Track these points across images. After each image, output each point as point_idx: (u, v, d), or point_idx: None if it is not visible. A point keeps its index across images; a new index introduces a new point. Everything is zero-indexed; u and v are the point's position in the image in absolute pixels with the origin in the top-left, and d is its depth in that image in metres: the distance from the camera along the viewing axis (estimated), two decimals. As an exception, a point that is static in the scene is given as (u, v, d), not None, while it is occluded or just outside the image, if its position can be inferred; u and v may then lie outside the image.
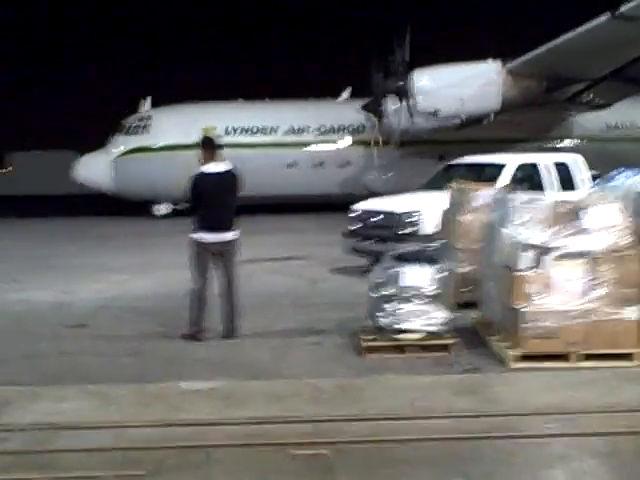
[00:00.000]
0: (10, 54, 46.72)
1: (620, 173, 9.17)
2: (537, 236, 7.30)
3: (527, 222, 7.49)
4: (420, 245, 8.59)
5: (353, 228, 13.14)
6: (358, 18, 45.12)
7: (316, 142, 27.82)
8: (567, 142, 27.29)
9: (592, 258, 7.20)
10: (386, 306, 7.76)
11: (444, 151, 25.98)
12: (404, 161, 26.80)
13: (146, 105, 28.42)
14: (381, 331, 7.74)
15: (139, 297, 11.45)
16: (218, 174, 8.82)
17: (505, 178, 12.53)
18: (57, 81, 49.87)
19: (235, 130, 27.48)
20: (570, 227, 7.34)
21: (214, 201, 8.72)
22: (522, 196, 7.91)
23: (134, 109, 28.57)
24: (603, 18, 19.20)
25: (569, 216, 7.53)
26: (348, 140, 27.79)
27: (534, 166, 13.14)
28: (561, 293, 7.25)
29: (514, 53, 23.04)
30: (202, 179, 8.81)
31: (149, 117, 27.57)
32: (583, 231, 7.28)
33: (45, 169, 45.53)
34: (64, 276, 13.76)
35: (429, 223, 11.49)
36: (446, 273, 7.98)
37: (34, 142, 46.50)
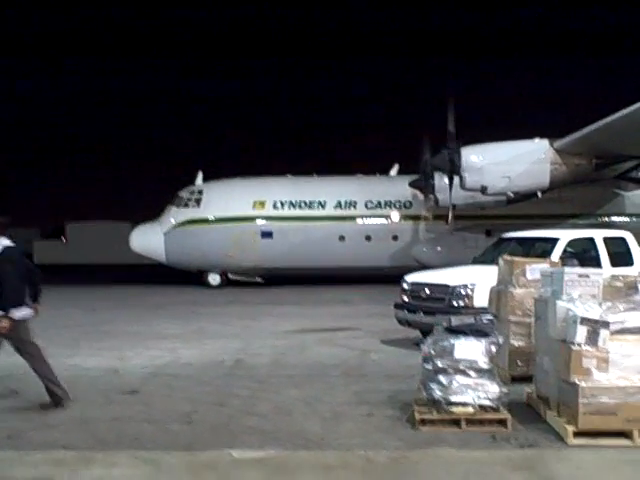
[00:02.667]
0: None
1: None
2: (593, 310, 7.09)
3: (582, 296, 7.30)
4: (473, 318, 8.43)
5: (404, 300, 13.00)
6: (406, 97, 45.82)
7: (365, 216, 27.96)
8: (617, 219, 26.94)
9: (652, 333, 6.96)
10: (440, 378, 7.59)
11: (492, 226, 25.99)
12: (452, 235, 26.78)
13: (198, 179, 29.01)
14: (435, 403, 7.55)
15: (190, 365, 11.43)
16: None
17: (557, 252, 12.30)
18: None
19: (284, 204, 27.80)
20: (627, 302, 7.12)
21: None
22: (577, 269, 7.73)
23: (187, 182, 29.16)
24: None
25: (625, 291, 7.34)
26: (396, 215, 27.87)
27: (586, 241, 12.88)
28: (619, 369, 7.00)
29: (561, 131, 23.03)
30: None
31: (200, 191, 28.09)
32: (641, 306, 7.06)
33: (103, 239, 46.53)
34: (118, 343, 13.82)
35: (481, 296, 11.32)
36: (498, 346, 7.82)
37: (90, 213, 47.64)
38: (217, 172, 29.95)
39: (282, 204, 27.81)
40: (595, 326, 6.99)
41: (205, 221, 27.57)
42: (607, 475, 6.03)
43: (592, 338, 6.99)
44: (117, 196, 48.62)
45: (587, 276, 7.46)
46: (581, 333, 7.01)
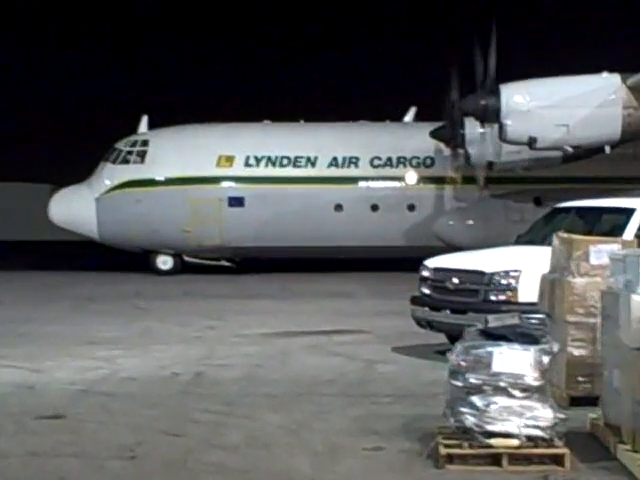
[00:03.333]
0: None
1: None
2: (684, 307, 7.11)
3: (668, 287, 7.32)
4: (517, 317, 8.44)
5: (424, 292, 13.01)
6: (426, 18, 45.66)
7: (370, 178, 27.96)
8: None
9: None
10: (473, 400, 7.61)
11: (542, 192, 26.09)
12: (489, 204, 26.86)
13: (142, 126, 28.82)
14: (466, 433, 7.56)
15: (132, 379, 11.44)
16: None
17: (633, 228, 12.32)
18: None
19: (259, 161, 27.80)
20: None
21: None
22: (662, 252, 7.75)
23: (128, 131, 29.07)
24: None
25: None
26: (413, 176, 27.87)
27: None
28: None
29: (637, 63, 22.99)
30: None
31: (145, 142, 28.00)
32: None
33: (17, 206, 46.23)
34: (36, 349, 13.80)
35: (528, 288, 11.34)
36: (552, 356, 7.86)
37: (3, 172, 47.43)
38: (168, 116, 29.91)
39: (257, 160, 27.83)
40: (684, 330, 7.02)
41: (152, 183, 27.59)
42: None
43: (680, 346, 7.02)
44: (32, 150, 48.31)
45: (677, 260, 7.47)
46: (665, 339, 7.04)
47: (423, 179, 27.95)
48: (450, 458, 7.54)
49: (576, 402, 9.46)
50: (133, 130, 28.86)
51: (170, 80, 50.07)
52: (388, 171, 28.02)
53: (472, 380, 7.66)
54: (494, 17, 23.52)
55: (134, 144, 28.12)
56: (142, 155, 27.80)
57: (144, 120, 29.00)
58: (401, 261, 25.57)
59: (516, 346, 7.75)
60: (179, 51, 50.13)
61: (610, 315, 8.27)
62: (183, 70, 50.81)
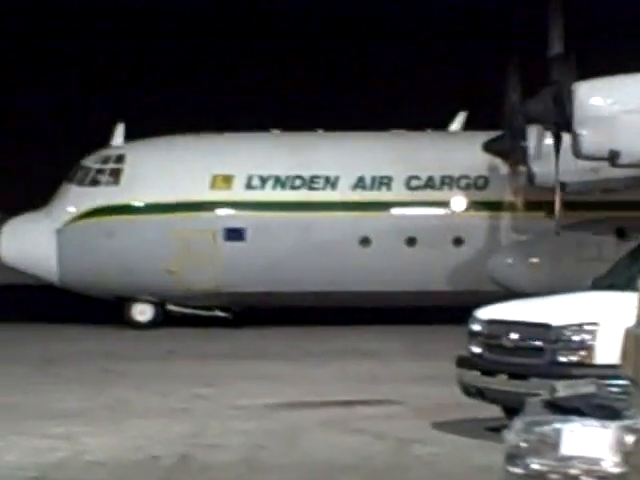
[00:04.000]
0: None
1: None
2: None
3: None
4: (594, 384, 8.46)
5: (475, 351, 13.02)
6: (479, 9, 45.83)
7: (405, 204, 28.02)
8: None
9: None
10: (539, 489, 7.64)
11: (626, 222, 26.05)
12: (561, 237, 26.79)
13: (116, 137, 28.86)
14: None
15: (101, 465, 11.44)
16: None
17: None
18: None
19: (265, 182, 27.90)
20: None
21: None
22: None
23: (98, 143, 29.26)
24: None
25: None
26: (461, 201, 27.93)
27: None
28: None
29: None
30: None
31: (120, 157, 28.15)
32: None
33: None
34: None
35: (608, 346, 11.34)
36: (638, 435, 7.86)
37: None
38: (150, 125, 30.04)
39: (262, 181, 27.93)
40: None
41: (128, 210, 27.74)
42: None
43: None
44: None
45: None
46: None
47: (474, 205, 27.99)
48: None
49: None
50: (105, 142, 29.02)
51: (151, 78, 50.34)
52: (429, 194, 28.10)
53: (535, 466, 7.66)
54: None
55: (106, 160, 28.29)
56: (116, 174, 27.97)
57: (119, 129, 29.10)
58: (445, 311, 25.59)
59: (592, 422, 7.75)
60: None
61: None
62: (168, 65, 51.08)
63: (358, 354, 21.88)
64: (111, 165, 28.12)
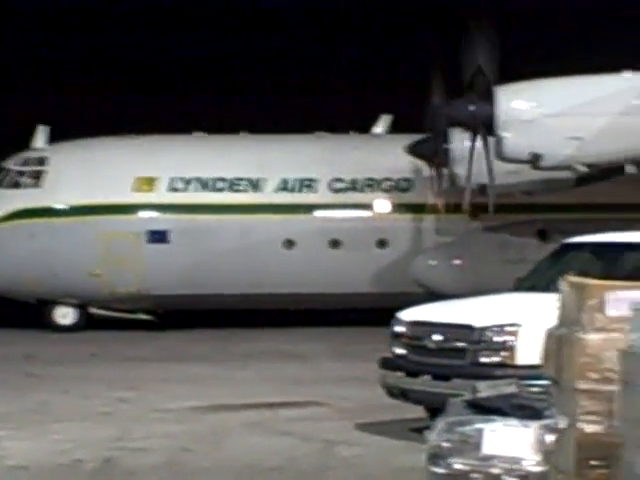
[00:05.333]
0: None
1: None
2: None
3: None
4: (515, 385, 8.57)
5: (398, 353, 13.11)
6: (403, 10, 46.06)
7: (329, 206, 28.12)
8: None
9: None
10: (459, 490, 7.71)
11: (548, 224, 26.32)
12: (481, 239, 27.06)
13: (38, 139, 28.74)
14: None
15: (23, 469, 11.39)
16: None
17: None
18: None
19: (188, 184, 27.87)
20: None
21: None
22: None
23: (19, 146, 29.07)
24: None
25: None
26: (384, 203, 28.09)
27: None
28: None
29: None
30: None
31: (42, 160, 27.99)
32: None
33: None
34: None
35: (530, 346, 11.45)
36: (559, 434, 7.98)
37: None
38: (72, 127, 29.86)
39: (185, 183, 27.90)
40: None
41: (50, 212, 27.59)
42: None
43: None
44: None
45: None
46: (699, 413, 7.19)
47: (398, 207, 28.09)
48: None
49: (591, 494, 9.60)
50: (26, 145, 28.84)
51: (73, 78, 50.00)
52: (353, 197, 28.18)
53: (457, 466, 7.74)
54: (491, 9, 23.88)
55: (27, 163, 28.11)
56: (38, 176, 27.78)
57: (41, 132, 28.95)
58: (369, 312, 25.70)
59: (513, 422, 7.84)
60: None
61: (631, 381, 8.40)
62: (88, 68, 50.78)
63: (283, 356, 21.96)
64: (33, 167, 27.92)
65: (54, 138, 28.95)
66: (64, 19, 49.62)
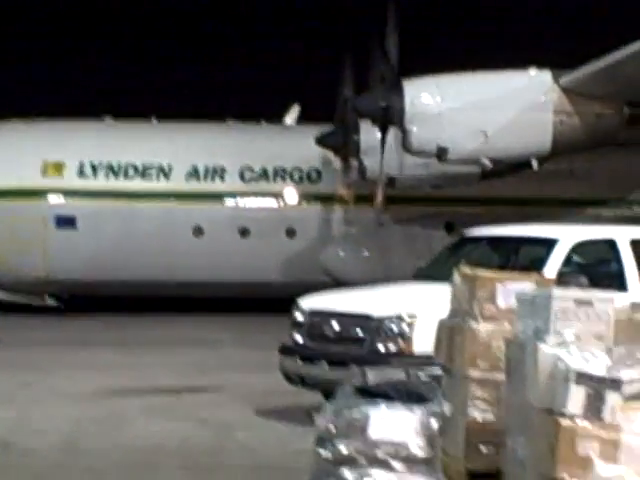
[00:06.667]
0: None
1: None
2: (597, 360, 7.50)
3: (582, 337, 7.71)
4: (404, 371, 8.74)
5: (297, 340, 13.27)
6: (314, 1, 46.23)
7: (238, 194, 28.21)
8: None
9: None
10: (345, 473, 7.84)
11: (454, 217, 26.62)
12: (388, 231, 27.29)
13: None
14: (334, 516, 7.80)
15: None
16: None
17: (555, 263, 12.84)
18: None
19: (97, 170, 27.78)
20: (653, 347, 7.58)
21: None
22: (575, 294, 8.14)
23: None
24: None
25: (653, 329, 7.79)
26: (294, 193, 28.23)
27: (604, 245, 13.50)
28: (637, 457, 7.43)
29: (572, 58, 23.79)
30: None
31: None
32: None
33: None
34: None
35: (426, 336, 11.66)
36: (443, 420, 8.15)
37: None
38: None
39: (94, 169, 27.80)
40: (599, 387, 7.38)
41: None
42: None
43: (594, 407, 7.39)
44: None
45: (589, 303, 7.86)
46: (577, 398, 7.39)
47: (306, 197, 28.24)
48: None
49: (476, 477, 9.81)
50: None
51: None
52: (262, 186, 28.25)
53: (343, 449, 7.87)
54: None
55: None
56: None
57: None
58: (278, 301, 25.83)
59: (399, 407, 7.99)
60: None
61: (515, 370, 8.62)
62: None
63: (187, 342, 22.02)
64: None
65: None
66: None
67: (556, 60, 24.01)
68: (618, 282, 12.68)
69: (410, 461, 7.86)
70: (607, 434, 7.44)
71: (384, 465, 7.82)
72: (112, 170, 27.86)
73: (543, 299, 8.20)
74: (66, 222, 27.36)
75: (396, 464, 7.83)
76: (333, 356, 12.70)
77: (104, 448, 11.63)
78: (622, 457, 7.45)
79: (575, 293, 8.24)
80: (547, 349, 7.80)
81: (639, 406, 7.49)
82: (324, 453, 7.95)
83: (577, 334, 7.80)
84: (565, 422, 7.44)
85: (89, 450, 11.56)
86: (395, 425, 7.88)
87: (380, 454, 7.82)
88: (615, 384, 7.43)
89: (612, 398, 7.41)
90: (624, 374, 7.50)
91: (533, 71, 23.70)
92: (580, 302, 7.94)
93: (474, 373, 10.06)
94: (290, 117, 31.17)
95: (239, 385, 16.02)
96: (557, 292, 8.29)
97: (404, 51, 23.91)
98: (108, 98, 37.70)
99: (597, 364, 7.54)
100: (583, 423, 7.42)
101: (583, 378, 7.41)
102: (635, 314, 8.11)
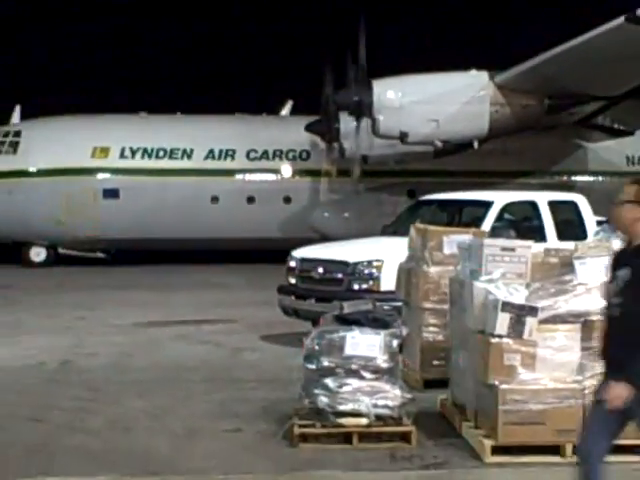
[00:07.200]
0: None
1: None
2: (518, 293, 7.62)
3: (506, 275, 7.82)
4: (371, 303, 8.90)
5: (291, 282, 13.37)
6: (302, 14, 45.95)
7: (246, 171, 28.25)
8: (579, 177, 28.18)
9: (588, 322, 7.54)
10: (326, 382, 7.98)
11: (415, 185, 26.65)
12: (363, 197, 27.35)
13: (14, 117, 28.66)
14: (319, 414, 7.93)
15: (-1, 368, 11.50)
16: None
17: (490, 220, 12.92)
18: None
19: (135, 152, 27.81)
20: (560, 282, 7.69)
21: None
22: (501, 242, 8.25)
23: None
24: (617, 21, 19.99)
25: (561, 269, 7.90)
26: (289, 169, 28.26)
27: (527, 206, 13.60)
28: (550, 367, 7.56)
29: (504, 61, 23.83)
30: None
31: (17, 133, 27.75)
32: (577, 288, 7.63)
33: None
34: None
35: (390, 277, 11.79)
36: (401, 340, 8.32)
37: None
38: (42, 107, 29.53)
39: (133, 152, 27.80)
40: (520, 313, 7.51)
41: (24, 174, 27.28)
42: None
43: (516, 328, 7.51)
44: None
45: (512, 250, 7.98)
46: (503, 322, 7.52)
47: (299, 172, 28.26)
48: (304, 437, 7.91)
49: (430, 385, 9.97)
50: (5, 121, 28.57)
51: (43, 68, 49.03)
52: (264, 164, 28.24)
53: (325, 363, 8.04)
54: (363, 13, 24.08)
55: (6, 135, 27.73)
56: (14, 146, 27.42)
57: (17, 110, 28.76)
58: (277, 253, 25.88)
59: (367, 331, 8.16)
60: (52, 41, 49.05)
61: (457, 301, 8.80)
62: (56, 59, 49.75)
63: (206, 285, 22.05)
64: (10, 138, 27.58)
65: (27, 116, 28.76)
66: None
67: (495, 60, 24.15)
68: (539, 234, 12.77)
69: (377, 371, 8.03)
70: (526, 349, 7.58)
71: (357, 375, 7.99)
72: (146, 152, 27.84)
73: (477, 247, 8.33)
74: (111, 194, 27.37)
75: (366, 374, 8.00)
76: (319, 293, 12.80)
77: (142, 366, 11.74)
78: (538, 365, 7.60)
79: (501, 242, 8.36)
80: (480, 285, 7.93)
81: (550, 327, 7.65)
82: (311, 367, 8.12)
83: (503, 273, 7.92)
84: (494, 340, 7.58)
85: (131, 368, 11.66)
86: (365, 344, 8.03)
87: (354, 366, 7.99)
88: (532, 311, 7.57)
89: (530, 322, 7.55)
90: (539, 303, 7.64)
91: (474, 72, 23.83)
92: (505, 249, 8.05)
93: (426, 305, 10.25)
94: (285, 110, 31.14)
95: (247, 317, 16.10)
96: (487, 241, 8.43)
97: (374, 54, 24.03)
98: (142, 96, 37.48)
99: (518, 296, 7.68)
100: (508, 341, 7.56)
101: (508, 307, 7.54)
102: (547, 257, 8.20)
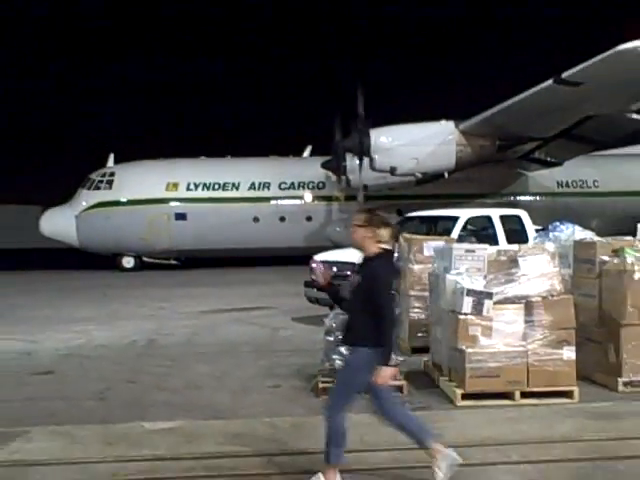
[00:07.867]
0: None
1: (556, 227, 9.69)
2: (478, 282, 7.73)
3: (469, 270, 7.93)
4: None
5: (313, 278, 13.40)
6: (317, 81, 46.29)
7: (278, 197, 28.34)
8: (522, 198, 28.18)
9: (529, 302, 7.64)
10: (340, 349, 8.04)
11: (403, 205, 26.66)
12: (364, 216, 27.38)
13: (109, 161, 28.95)
14: (336, 373, 8.00)
15: (103, 346, 11.64)
16: None
17: (457, 230, 12.97)
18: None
19: (198, 186, 27.95)
20: (508, 274, 7.79)
21: None
22: (465, 246, 8.36)
23: (99, 165, 29.04)
24: (547, 83, 20.09)
25: (507, 264, 8.00)
26: (309, 196, 28.37)
27: (484, 219, 13.61)
28: (502, 335, 7.67)
29: (466, 112, 23.93)
30: None
31: (112, 173, 27.99)
32: (520, 278, 7.74)
33: (13, 223, 45.47)
34: (30, 327, 13.83)
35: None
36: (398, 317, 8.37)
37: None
38: (129, 154, 29.85)
39: (196, 185, 27.95)
40: (480, 297, 7.62)
41: (117, 203, 27.49)
42: (488, 430, 6.70)
43: (477, 308, 7.63)
44: (26, 179, 47.56)
45: (473, 251, 8.09)
46: (467, 303, 7.63)
47: (317, 198, 28.29)
48: (325, 390, 7.98)
49: (416, 351, 10.07)
50: (103, 164, 28.85)
51: (130, 127, 49.59)
52: (292, 192, 28.31)
53: (340, 336, 8.11)
54: (362, 80, 24.20)
55: (104, 175, 27.98)
56: (110, 183, 27.67)
57: (111, 157, 29.07)
58: (303, 257, 25.90)
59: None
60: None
61: (434, 290, 8.92)
62: (140, 121, 50.30)
63: (252, 282, 22.15)
64: (107, 177, 27.82)
65: (118, 160, 29.04)
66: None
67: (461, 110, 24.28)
68: (493, 240, 12.79)
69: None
70: (485, 323, 7.68)
71: (363, 344, 8.05)
72: (206, 186, 27.97)
73: (448, 250, 8.43)
74: (180, 217, 27.52)
75: (369, 343, 8.07)
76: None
77: (207, 342, 11.86)
78: (493, 334, 7.70)
79: (465, 246, 8.45)
80: (451, 277, 8.04)
81: (502, 307, 7.75)
82: (329, 339, 8.20)
83: (467, 268, 8.02)
84: (462, 317, 7.69)
85: (199, 344, 11.78)
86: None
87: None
88: (489, 295, 7.67)
89: (487, 303, 7.65)
90: (494, 289, 7.75)
91: (443, 122, 23.89)
92: (468, 251, 8.15)
93: (412, 292, 10.36)
94: (306, 152, 31.26)
95: (282, 305, 16.19)
96: (455, 245, 8.52)
97: (372, 106, 24.12)
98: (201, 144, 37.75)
99: (478, 284, 7.78)
100: (472, 317, 7.67)
101: (471, 292, 7.65)
102: (499, 256, 8.28)
